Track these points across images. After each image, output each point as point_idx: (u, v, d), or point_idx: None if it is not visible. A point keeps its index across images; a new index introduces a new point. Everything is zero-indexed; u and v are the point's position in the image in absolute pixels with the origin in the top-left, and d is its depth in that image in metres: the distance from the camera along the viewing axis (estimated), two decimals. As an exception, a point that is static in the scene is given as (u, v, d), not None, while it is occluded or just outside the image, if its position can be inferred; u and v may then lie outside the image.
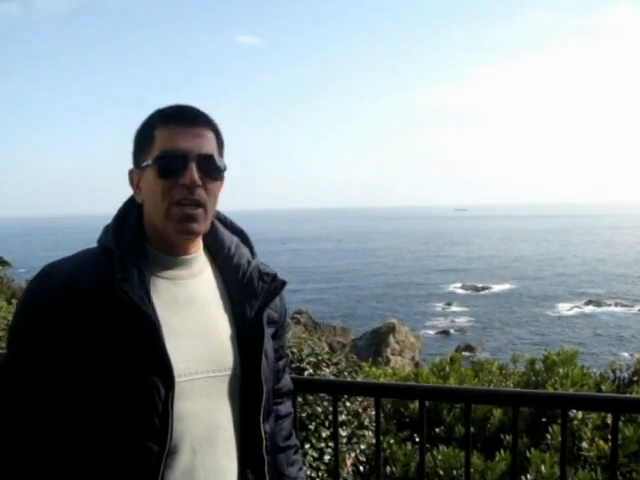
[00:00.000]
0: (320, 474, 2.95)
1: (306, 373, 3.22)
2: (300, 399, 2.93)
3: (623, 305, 36.59)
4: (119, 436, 1.17)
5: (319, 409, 3.12)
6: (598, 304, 36.95)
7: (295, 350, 3.40)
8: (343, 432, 3.15)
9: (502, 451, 3.26)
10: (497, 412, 3.67)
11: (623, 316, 33.99)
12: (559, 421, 2.73)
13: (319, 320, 26.51)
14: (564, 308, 36.32)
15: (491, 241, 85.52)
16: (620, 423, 2.59)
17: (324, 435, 3.04)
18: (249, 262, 1.38)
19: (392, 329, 21.89)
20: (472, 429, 2.09)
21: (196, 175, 1.22)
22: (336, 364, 3.52)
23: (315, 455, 2.96)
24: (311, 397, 3.15)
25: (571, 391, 3.56)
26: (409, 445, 3.50)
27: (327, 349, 3.94)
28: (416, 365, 16.37)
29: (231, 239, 1.41)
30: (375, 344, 21.33)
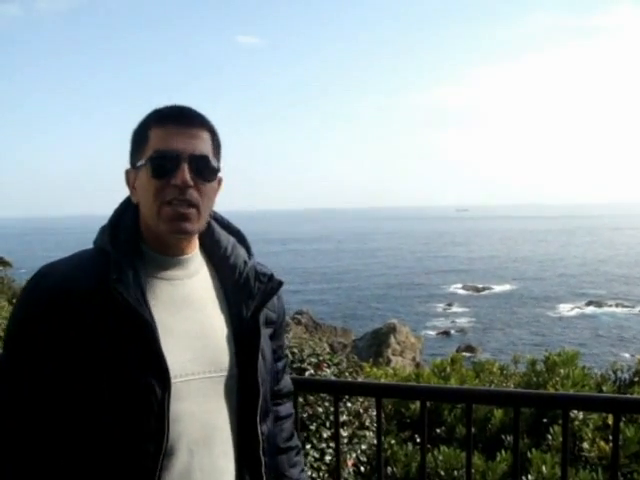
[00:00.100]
0: (321, 474, 2.95)
1: (307, 373, 3.21)
2: (301, 399, 2.93)
3: (624, 306, 36.54)
4: (115, 437, 1.17)
5: (320, 409, 3.12)
6: (599, 305, 36.91)
7: (296, 350, 3.40)
8: (344, 432, 3.14)
9: (503, 452, 3.26)
10: (498, 412, 3.67)
11: (624, 317, 33.95)
12: (560, 422, 2.73)
13: (320, 320, 26.51)
14: (565, 309, 36.29)
15: (491, 241, 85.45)
16: (621, 424, 2.60)
17: (325, 435, 3.04)
18: (245, 262, 1.38)
19: (393, 329, 21.87)
20: (473, 429, 2.09)
21: (188, 175, 1.22)
22: (337, 364, 3.52)
23: (316, 455, 2.96)
24: (312, 397, 3.15)
25: (572, 392, 3.56)
26: (410, 445, 3.50)
27: (328, 349, 3.94)
28: (417, 365, 16.36)
29: (227, 239, 1.40)
30: (376, 344, 21.31)
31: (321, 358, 3.43)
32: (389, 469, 3.38)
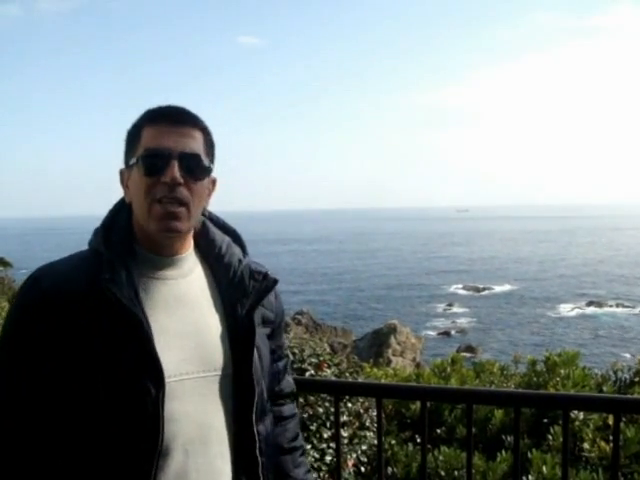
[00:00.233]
0: (322, 475, 2.95)
1: (307, 374, 3.21)
2: (301, 400, 2.94)
3: (624, 306, 36.51)
4: (110, 436, 1.17)
5: (320, 410, 3.12)
6: (599, 305, 36.89)
7: (296, 351, 3.40)
8: (344, 433, 3.14)
9: (503, 452, 3.25)
10: (498, 413, 3.67)
11: (624, 317, 33.93)
12: (560, 422, 2.72)
13: (320, 321, 26.48)
14: (565, 309, 36.27)
15: (492, 242, 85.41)
16: (621, 424, 2.60)
17: (325, 436, 3.04)
18: (240, 261, 1.38)
19: (393, 330, 21.86)
20: (473, 430, 2.09)
21: (177, 173, 1.22)
22: (337, 365, 3.52)
23: (317, 456, 2.96)
24: (312, 398, 3.15)
25: (572, 392, 3.55)
26: (410, 446, 3.49)
27: (328, 350, 3.94)
28: (417, 366, 16.34)
29: (222, 239, 1.40)
30: (376, 345, 21.30)
31: (321, 358, 3.43)
32: (390, 469, 3.38)
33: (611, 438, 2.91)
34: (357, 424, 3.34)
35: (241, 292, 1.34)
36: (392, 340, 21.48)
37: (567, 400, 2.05)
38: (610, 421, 3.22)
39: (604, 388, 3.85)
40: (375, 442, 2.75)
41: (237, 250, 1.41)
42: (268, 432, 1.38)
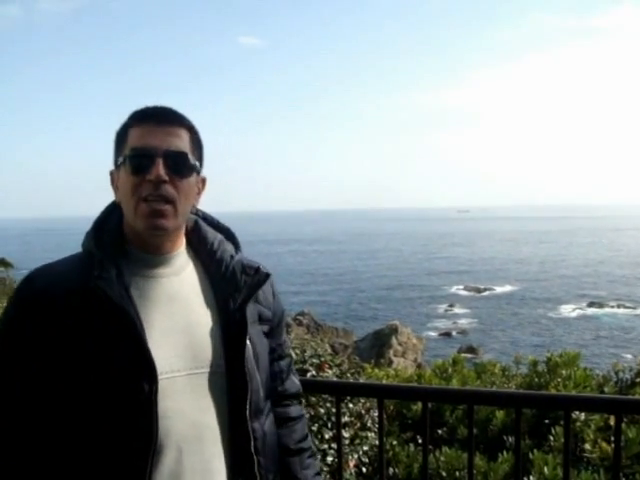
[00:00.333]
0: (323, 475, 2.95)
1: (309, 374, 3.21)
2: (303, 400, 2.93)
3: (625, 307, 36.52)
4: (104, 434, 1.17)
5: (322, 410, 3.12)
6: (600, 306, 36.89)
7: (298, 351, 3.40)
8: (346, 433, 3.15)
9: (505, 452, 3.25)
10: (500, 413, 3.67)
11: (625, 318, 33.92)
12: (562, 422, 2.72)
13: (321, 321, 26.50)
14: (566, 310, 36.26)
15: (493, 242, 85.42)
16: (623, 425, 2.60)
17: (327, 436, 3.04)
18: (232, 256, 1.38)
19: (394, 330, 21.88)
20: (475, 430, 2.09)
21: (162, 171, 1.23)
22: (339, 365, 3.52)
23: (318, 457, 2.96)
24: (314, 398, 3.15)
25: (574, 393, 3.55)
26: (412, 446, 3.49)
27: (330, 350, 3.94)
28: (418, 366, 16.34)
29: (215, 236, 1.41)
30: (377, 345, 21.32)
31: (323, 359, 3.43)
32: (391, 470, 3.38)
33: (612, 439, 2.91)
34: (358, 425, 3.34)
35: (233, 287, 1.34)
36: (393, 341, 21.50)
37: (568, 401, 2.05)
38: (611, 422, 3.22)
39: (605, 389, 3.85)
40: (376, 443, 2.75)
41: (229, 247, 1.41)
42: (266, 431, 1.36)
